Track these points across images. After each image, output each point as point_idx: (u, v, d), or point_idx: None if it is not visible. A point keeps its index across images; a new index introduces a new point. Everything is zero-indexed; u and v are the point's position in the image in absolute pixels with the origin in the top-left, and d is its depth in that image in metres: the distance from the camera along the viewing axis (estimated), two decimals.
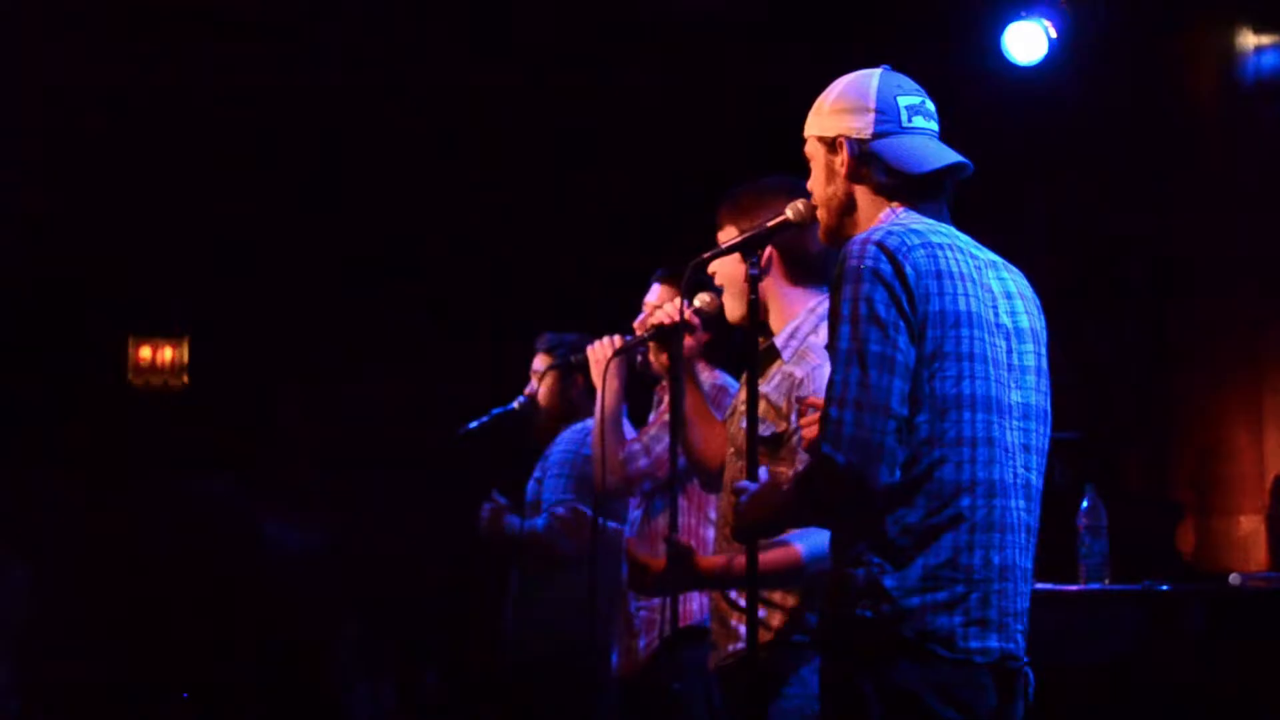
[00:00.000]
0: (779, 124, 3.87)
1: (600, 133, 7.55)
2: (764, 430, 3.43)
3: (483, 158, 7.68)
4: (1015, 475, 2.80)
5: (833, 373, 2.72)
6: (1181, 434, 6.65)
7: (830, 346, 2.76)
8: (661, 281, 4.75)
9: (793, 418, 3.46)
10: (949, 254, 2.80)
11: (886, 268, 2.73)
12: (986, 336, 2.78)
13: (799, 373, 3.51)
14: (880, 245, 2.75)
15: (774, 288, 3.69)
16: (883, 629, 2.69)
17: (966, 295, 2.78)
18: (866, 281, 2.72)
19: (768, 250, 3.67)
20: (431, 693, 7.93)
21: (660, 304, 4.67)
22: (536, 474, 5.47)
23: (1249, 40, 6.42)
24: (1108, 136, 6.72)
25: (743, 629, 3.48)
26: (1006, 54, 6.36)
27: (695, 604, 4.36)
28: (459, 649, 7.58)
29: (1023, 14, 6.30)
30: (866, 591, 2.71)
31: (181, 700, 7.59)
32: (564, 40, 7.18)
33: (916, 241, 2.78)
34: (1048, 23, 6.30)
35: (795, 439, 3.35)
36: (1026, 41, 6.33)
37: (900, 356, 2.70)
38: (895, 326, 2.70)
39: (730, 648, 3.52)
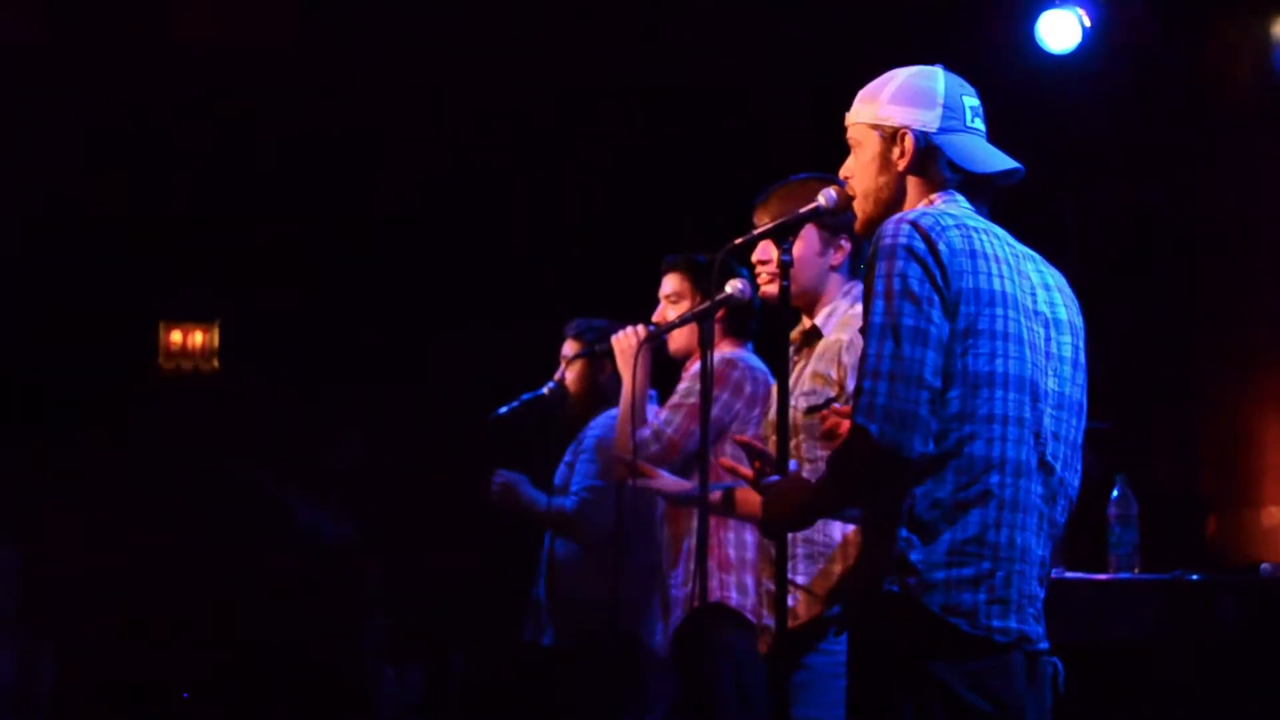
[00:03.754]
0: (809, 113, 3.88)
1: (617, 121, 7.55)
2: (816, 399, 3.48)
3: (506, 148, 7.68)
4: (1040, 460, 2.81)
5: (865, 347, 2.74)
6: (1208, 425, 6.63)
7: (864, 322, 2.77)
8: (672, 270, 4.80)
9: (848, 380, 3.51)
10: (983, 237, 2.83)
11: (920, 245, 2.75)
12: (1022, 319, 2.80)
13: (845, 336, 3.59)
14: (914, 224, 2.78)
15: (837, 277, 3.77)
16: (907, 602, 2.71)
17: (1001, 276, 2.80)
18: (900, 258, 2.74)
19: (848, 244, 3.75)
20: (458, 678, 7.95)
21: (676, 292, 4.73)
22: (568, 458, 5.49)
23: None
24: (1140, 126, 6.69)
25: (799, 607, 3.54)
26: (1040, 42, 6.35)
27: (715, 580, 4.39)
28: (486, 634, 7.60)
29: (1056, 2, 6.28)
30: (893, 565, 2.73)
31: (184, 700, 7.63)
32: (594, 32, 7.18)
33: (950, 222, 2.81)
34: (1082, 11, 6.28)
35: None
36: (1060, 30, 6.31)
37: (934, 330, 2.73)
38: (929, 301, 2.73)
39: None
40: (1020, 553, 2.77)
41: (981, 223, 2.87)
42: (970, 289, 2.76)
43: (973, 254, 2.78)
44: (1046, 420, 2.82)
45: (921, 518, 2.73)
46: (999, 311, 2.77)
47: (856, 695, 2.82)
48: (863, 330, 2.80)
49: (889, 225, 2.80)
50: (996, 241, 2.85)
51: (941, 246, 2.75)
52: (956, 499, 2.73)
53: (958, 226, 2.80)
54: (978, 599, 2.72)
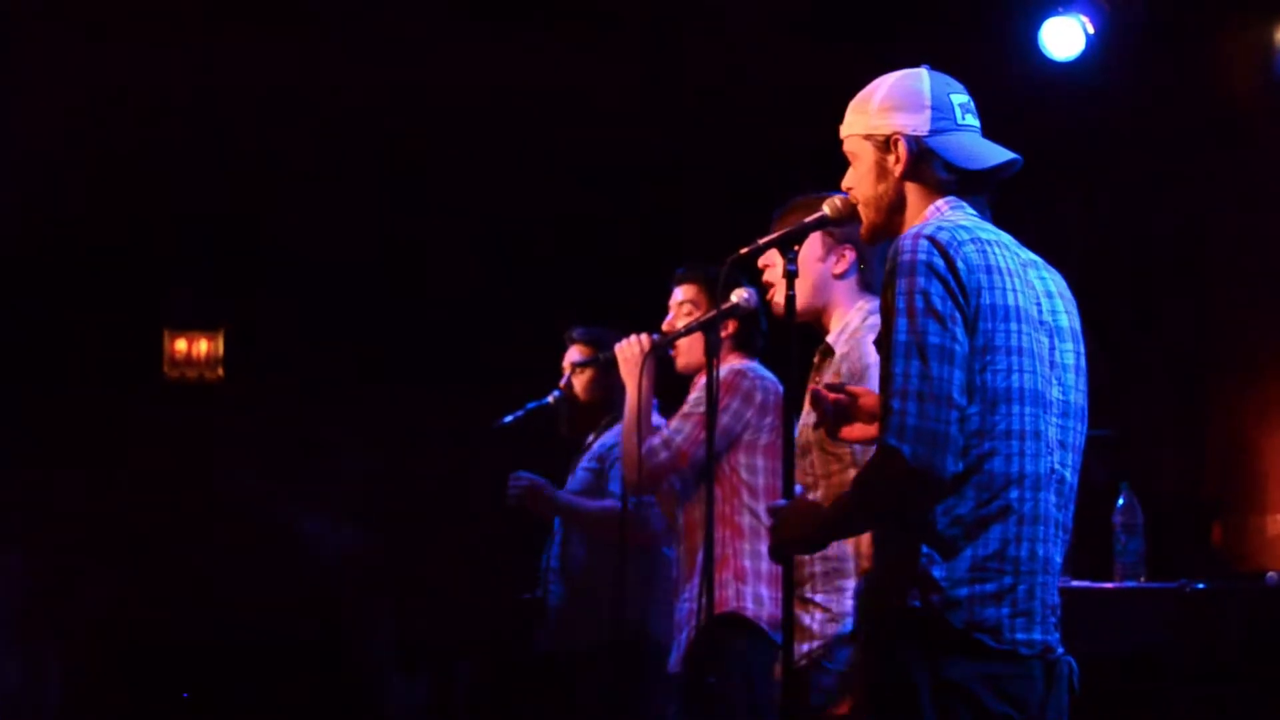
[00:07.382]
0: (814, 121, 3.88)
1: (626, 130, 7.55)
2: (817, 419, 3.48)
3: (516, 157, 7.68)
4: (1051, 470, 2.83)
5: (891, 366, 2.73)
6: (1213, 433, 6.63)
7: (885, 340, 2.77)
8: (684, 281, 4.80)
9: None
10: (996, 250, 2.83)
11: (939, 261, 2.75)
12: (1031, 332, 2.82)
13: (845, 349, 3.58)
14: (932, 240, 2.77)
15: (845, 289, 3.79)
16: (931, 619, 2.71)
17: (1015, 290, 2.81)
18: (921, 275, 2.74)
19: (851, 253, 3.74)
20: (464, 686, 7.95)
21: (690, 301, 4.74)
22: (585, 464, 5.46)
23: None
24: (1144, 133, 6.70)
25: (815, 626, 3.53)
26: (1044, 49, 6.35)
27: (730, 590, 4.38)
28: (491, 641, 7.60)
29: (1060, 9, 6.29)
30: (915, 582, 2.73)
31: (182, 700, 7.63)
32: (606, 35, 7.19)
33: (966, 237, 2.81)
34: (1085, 18, 6.28)
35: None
36: (1064, 37, 6.32)
37: (959, 348, 2.73)
38: (952, 318, 2.73)
39: (805, 647, 3.56)
40: (1042, 564, 2.79)
41: (990, 233, 2.88)
42: (987, 305, 2.77)
43: (988, 269, 2.79)
44: (1054, 430, 2.83)
45: (943, 534, 2.73)
46: (1013, 327, 2.79)
47: (877, 702, 2.81)
48: (880, 345, 2.80)
49: (906, 241, 2.79)
50: (1006, 253, 2.85)
51: (960, 263, 2.76)
52: (978, 515, 2.75)
53: (973, 240, 2.80)
54: (1001, 614, 2.74)
